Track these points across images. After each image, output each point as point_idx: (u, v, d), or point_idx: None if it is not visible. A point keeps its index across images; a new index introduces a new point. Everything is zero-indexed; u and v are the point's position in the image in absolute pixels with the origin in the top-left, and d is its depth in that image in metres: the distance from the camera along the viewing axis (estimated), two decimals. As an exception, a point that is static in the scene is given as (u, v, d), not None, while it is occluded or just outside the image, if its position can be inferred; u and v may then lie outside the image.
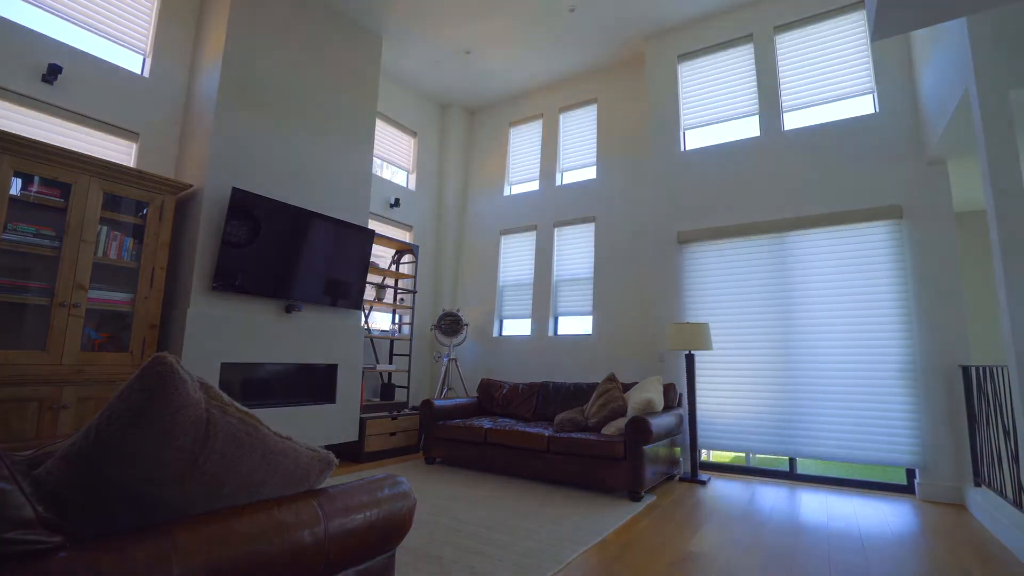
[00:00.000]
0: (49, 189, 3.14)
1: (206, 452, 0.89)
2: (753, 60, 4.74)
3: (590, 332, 5.39)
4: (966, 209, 5.12)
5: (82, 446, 0.83)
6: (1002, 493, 2.98)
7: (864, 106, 4.23)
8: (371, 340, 5.44)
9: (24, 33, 3.34)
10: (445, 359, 5.68)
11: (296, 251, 4.15)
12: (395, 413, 4.98)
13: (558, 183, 5.98)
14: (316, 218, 4.28)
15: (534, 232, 5.99)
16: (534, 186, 6.15)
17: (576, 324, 5.54)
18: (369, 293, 5.38)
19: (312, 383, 4.45)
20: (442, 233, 6.51)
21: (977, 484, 3.41)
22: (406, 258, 5.86)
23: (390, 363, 5.65)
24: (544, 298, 5.72)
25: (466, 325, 5.81)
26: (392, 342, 5.68)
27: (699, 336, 4.17)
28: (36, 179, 3.09)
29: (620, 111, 5.65)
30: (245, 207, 3.80)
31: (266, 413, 3.89)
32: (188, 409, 0.87)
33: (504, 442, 4.12)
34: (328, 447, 4.60)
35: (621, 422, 3.85)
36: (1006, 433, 2.87)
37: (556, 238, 5.82)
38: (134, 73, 3.89)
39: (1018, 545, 2.55)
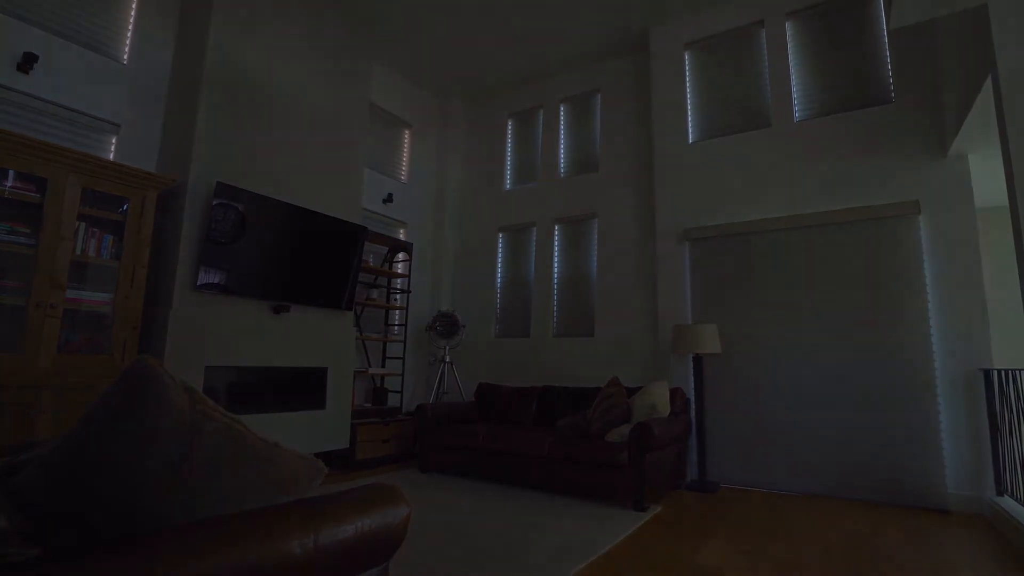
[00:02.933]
0: (24, 184, 3.01)
1: (190, 459, 0.87)
2: (764, 48, 4.59)
3: (592, 334, 5.24)
4: (989, 205, 4.96)
5: (61, 453, 0.82)
6: (1027, 503, 2.84)
7: (880, 96, 4.07)
8: (363, 342, 5.28)
9: (-2, 20, 3.19)
10: (441, 362, 5.52)
11: (284, 249, 4.00)
12: (388, 419, 4.83)
13: (559, 177, 5.81)
14: (305, 214, 4.13)
15: (534, 229, 5.84)
16: (534, 181, 5.99)
17: (578, 325, 5.38)
18: (361, 293, 5.22)
19: (301, 387, 4.29)
20: (438, 230, 6.34)
21: (1000, 493, 3.28)
22: (400, 256, 5.70)
23: (383, 366, 5.50)
24: (545, 298, 5.57)
25: (463, 326, 5.64)
26: (385, 344, 5.53)
27: (706, 338, 4.03)
28: (11, 173, 2.96)
29: (624, 102, 5.49)
30: (230, 202, 3.65)
31: (253, 419, 3.75)
32: (171, 415, 0.85)
33: (502, 449, 3.96)
34: (318, 455, 4.44)
35: (625, 428, 3.71)
36: (1031, 440, 2.75)
37: (557, 235, 5.68)
38: (115, 62, 3.74)
39: (1050, 561, 2.41)
